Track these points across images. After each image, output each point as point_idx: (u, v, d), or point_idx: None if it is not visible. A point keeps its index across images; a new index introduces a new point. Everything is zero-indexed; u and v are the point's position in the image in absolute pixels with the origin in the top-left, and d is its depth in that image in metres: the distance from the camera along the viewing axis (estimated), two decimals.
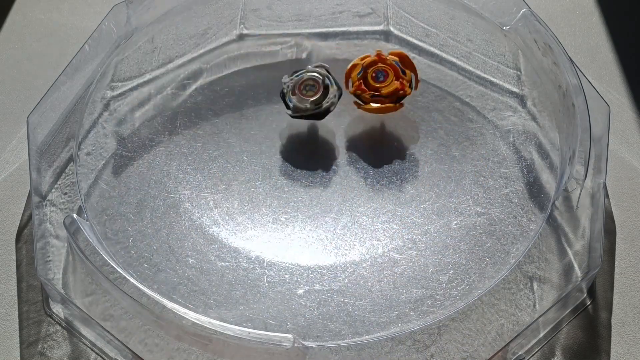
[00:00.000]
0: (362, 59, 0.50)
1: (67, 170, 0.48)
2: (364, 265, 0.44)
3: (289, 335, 0.38)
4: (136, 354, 0.40)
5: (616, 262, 0.44)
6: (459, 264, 0.43)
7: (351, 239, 0.45)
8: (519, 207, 0.46)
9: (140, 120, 0.51)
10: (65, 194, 0.47)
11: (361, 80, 0.49)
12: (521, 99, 0.51)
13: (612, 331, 0.42)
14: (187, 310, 0.39)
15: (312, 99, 0.48)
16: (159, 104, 0.52)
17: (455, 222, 0.45)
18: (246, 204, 0.47)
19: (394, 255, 0.44)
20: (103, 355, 0.41)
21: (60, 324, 0.42)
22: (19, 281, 0.44)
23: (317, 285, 0.43)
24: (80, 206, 0.46)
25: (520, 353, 0.41)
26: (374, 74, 0.49)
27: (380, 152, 0.49)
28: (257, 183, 0.48)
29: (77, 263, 0.44)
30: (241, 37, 0.56)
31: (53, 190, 0.47)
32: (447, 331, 0.41)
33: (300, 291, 0.43)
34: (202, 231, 0.45)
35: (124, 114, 0.52)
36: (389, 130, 0.50)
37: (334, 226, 0.45)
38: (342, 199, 0.47)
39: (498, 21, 0.54)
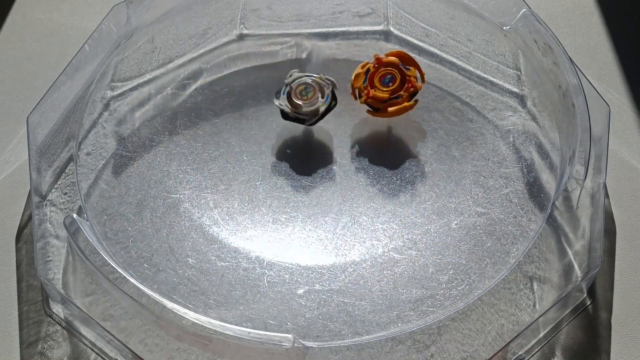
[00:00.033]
0: (363, 66, 0.50)
1: (67, 170, 0.48)
2: (364, 265, 0.44)
3: (289, 335, 0.38)
4: (136, 354, 0.40)
5: (616, 262, 0.44)
6: (459, 264, 0.43)
7: (351, 239, 0.45)
8: (519, 207, 0.46)
9: (140, 120, 0.51)
10: (65, 194, 0.47)
11: (369, 89, 0.49)
12: (521, 99, 0.51)
13: (612, 331, 0.42)
14: (187, 310, 0.39)
15: (302, 102, 0.48)
16: (159, 104, 0.52)
17: (455, 222, 0.45)
18: (246, 204, 0.47)
19: (394, 255, 0.44)
20: (103, 355, 0.41)
21: (60, 324, 0.42)
22: (19, 281, 0.44)
23: (317, 285, 0.43)
24: (80, 206, 0.46)
25: (520, 353, 0.41)
26: (380, 80, 0.49)
27: (380, 152, 0.49)
28: (257, 183, 0.48)
29: (77, 263, 0.44)
30: (241, 37, 0.56)
31: (53, 190, 0.47)
32: (447, 331, 0.41)
33: (300, 291, 0.43)
34: (202, 231, 0.45)
35: (124, 114, 0.52)
36: (389, 131, 0.50)
37: (334, 226, 0.45)
38: (342, 199, 0.47)
39: (498, 21, 0.54)
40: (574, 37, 0.57)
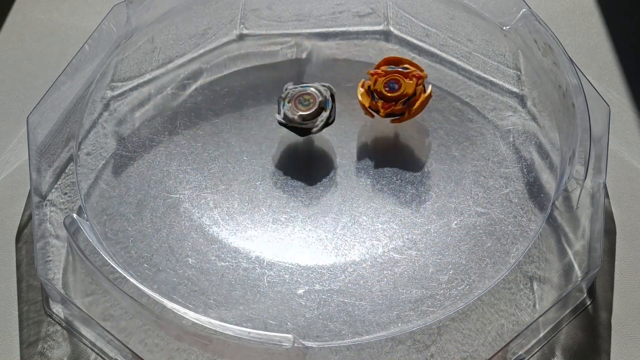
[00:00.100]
0: (362, 84, 0.50)
1: (67, 170, 0.48)
2: (364, 265, 0.44)
3: (289, 335, 0.38)
4: (136, 354, 0.40)
5: (616, 262, 0.44)
6: (459, 264, 0.43)
7: (351, 239, 0.45)
8: (519, 207, 0.46)
9: (140, 120, 0.51)
10: (65, 194, 0.47)
11: (382, 101, 0.48)
12: (521, 99, 0.51)
13: (612, 331, 0.42)
14: (187, 310, 0.39)
15: (301, 114, 0.48)
16: (159, 104, 0.52)
17: (455, 222, 0.45)
18: (246, 204, 0.47)
19: (394, 255, 0.44)
20: (103, 355, 0.41)
21: (60, 324, 0.42)
22: (19, 281, 0.44)
23: (317, 285, 0.43)
24: (80, 206, 0.46)
25: (520, 353, 0.41)
26: (386, 88, 0.48)
27: (380, 152, 0.49)
28: (257, 183, 0.48)
29: (77, 263, 0.44)
30: (241, 37, 0.56)
31: (53, 190, 0.47)
32: (447, 331, 0.41)
33: (300, 291, 0.43)
34: (202, 231, 0.45)
35: (124, 114, 0.52)
36: (389, 131, 0.50)
37: (334, 226, 0.45)
38: (342, 199, 0.47)
39: (498, 21, 0.54)
40: (574, 37, 0.57)
